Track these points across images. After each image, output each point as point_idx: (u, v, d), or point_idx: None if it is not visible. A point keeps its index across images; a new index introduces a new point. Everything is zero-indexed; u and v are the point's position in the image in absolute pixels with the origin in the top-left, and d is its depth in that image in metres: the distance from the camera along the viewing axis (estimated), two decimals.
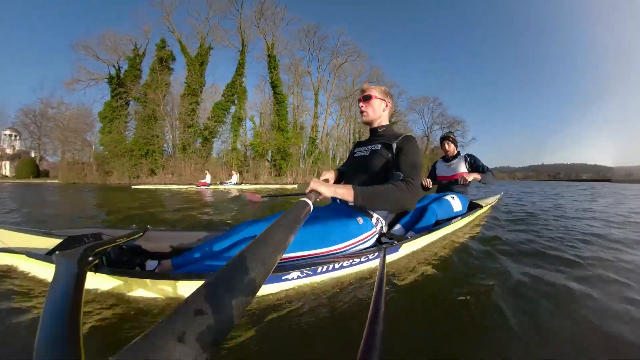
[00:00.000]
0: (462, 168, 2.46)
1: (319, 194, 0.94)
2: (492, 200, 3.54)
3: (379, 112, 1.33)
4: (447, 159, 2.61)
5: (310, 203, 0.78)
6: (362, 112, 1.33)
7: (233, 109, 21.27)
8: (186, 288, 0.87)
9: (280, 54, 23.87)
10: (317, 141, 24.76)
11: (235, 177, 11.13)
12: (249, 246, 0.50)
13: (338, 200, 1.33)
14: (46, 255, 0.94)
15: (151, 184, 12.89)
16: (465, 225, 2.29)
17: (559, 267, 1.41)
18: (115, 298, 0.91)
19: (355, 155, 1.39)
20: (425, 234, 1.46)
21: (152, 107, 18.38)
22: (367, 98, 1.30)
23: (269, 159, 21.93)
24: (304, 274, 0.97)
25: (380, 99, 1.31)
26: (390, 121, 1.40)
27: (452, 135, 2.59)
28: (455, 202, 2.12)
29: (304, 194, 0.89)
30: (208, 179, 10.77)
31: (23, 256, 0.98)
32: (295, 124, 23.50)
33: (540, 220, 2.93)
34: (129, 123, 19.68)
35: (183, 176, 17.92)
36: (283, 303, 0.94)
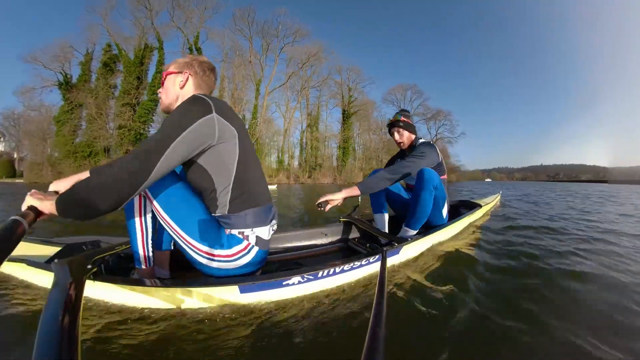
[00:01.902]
0: None
1: (39, 210, 0.73)
2: (491, 199, 3.54)
3: (172, 91, 1.00)
4: (405, 154, 1.88)
5: (25, 222, 0.65)
6: (160, 100, 1.04)
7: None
8: (185, 295, 0.87)
9: (218, 44, 23.20)
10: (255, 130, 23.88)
11: None
12: None
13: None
14: (45, 263, 0.94)
15: None
16: (466, 226, 2.28)
17: (564, 271, 1.40)
18: (113, 306, 0.94)
19: None
20: (426, 236, 1.45)
21: (91, 111, 19.73)
22: (162, 81, 1.01)
23: None
24: (305, 279, 0.98)
25: (175, 73, 1.00)
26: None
27: (403, 117, 1.78)
28: (446, 202, 1.77)
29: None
30: None
31: (22, 264, 0.98)
32: None
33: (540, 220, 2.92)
34: (84, 126, 21.06)
35: None
36: (284, 308, 0.97)
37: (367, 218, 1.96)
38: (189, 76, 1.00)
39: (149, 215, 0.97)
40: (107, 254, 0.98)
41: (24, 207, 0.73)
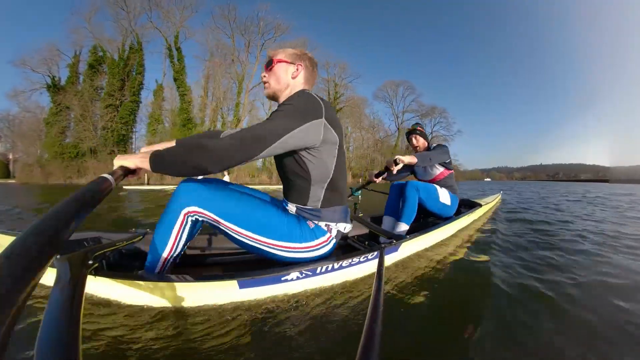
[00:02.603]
0: (438, 168, 2.17)
1: (126, 168, 0.82)
2: (492, 199, 3.55)
3: (284, 79, 1.04)
4: None
5: (111, 178, 0.72)
6: (264, 84, 1.08)
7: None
8: (185, 290, 0.88)
9: (202, 43, 23.29)
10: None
11: (227, 176, 11.34)
12: (35, 222, 0.47)
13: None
14: None
15: (144, 185, 13.06)
16: (467, 225, 2.29)
17: (562, 271, 1.41)
18: (114, 301, 0.95)
19: None
20: (424, 234, 1.46)
21: (76, 112, 20.47)
22: (269, 65, 1.04)
23: None
24: (304, 275, 0.99)
25: (286, 62, 1.03)
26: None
27: (419, 127, 2.24)
28: (443, 192, 2.00)
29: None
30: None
31: None
32: (207, 118, 23.39)
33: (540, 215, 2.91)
34: (72, 128, 21.82)
35: (97, 175, 19.77)
36: (282, 304, 0.98)
37: (366, 216, 1.97)
38: (300, 68, 1.05)
39: (185, 235, 0.97)
40: (108, 249, 0.99)
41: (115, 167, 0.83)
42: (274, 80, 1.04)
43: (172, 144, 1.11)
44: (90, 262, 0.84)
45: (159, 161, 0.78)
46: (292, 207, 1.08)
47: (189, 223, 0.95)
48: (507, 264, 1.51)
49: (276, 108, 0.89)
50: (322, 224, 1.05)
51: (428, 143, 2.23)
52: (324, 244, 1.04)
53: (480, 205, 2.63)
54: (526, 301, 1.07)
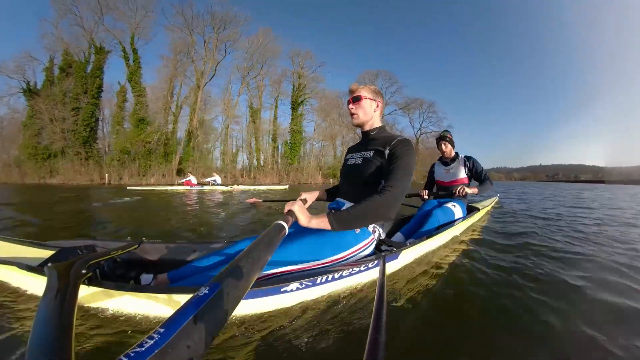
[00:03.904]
0: (462, 173, 2.45)
1: (296, 218, 1.00)
2: (489, 202, 3.59)
3: (369, 113, 1.30)
4: (445, 161, 2.59)
5: (286, 227, 0.85)
6: (352, 114, 1.31)
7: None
8: (181, 301, 0.86)
9: (163, 43, 24.27)
10: (196, 133, 23.77)
11: (218, 178, 11.32)
12: (231, 263, 0.57)
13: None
14: (38, 267, 0.93)
15: (146, 185, 13.07)
16: (464, 230, 2.30)
17: (561, 268, 1.42)
18: (108, 312, 0.94)
19: (348, 163, 1.40)
20: (424, 240, 1.46)
21: (44, 116, 21.23)
22: (356, 99, 1.28)
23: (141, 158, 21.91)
24: (304, 285, 0.98)
25: (370, 99, 1.29)
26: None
27: (449, 135, 2.49)
28: (457, 210, 2.20)
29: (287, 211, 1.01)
30: (193, 179, 11.51)
31: (14, 267, 0.97)
32: (170, 118, 23.53)
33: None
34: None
35: (65, 176, 20.76)
36: (283, 315, 0.98)
37: None
38: (379, 104, 1.32)
39: None
40: (102, 258, 0.98)
41: (285, 211, 1.02)
42: (362, 112, 1.29)
43: (316, 193, 1.45)
44: (84, 271, 0.82)
45: (343, 220, 1.00)
46: (348, 204, 1.27)
47: None
48: (504, 264, 1.53)
49: (400, 153, 1.14)
50: (370, 227, 1.22)
51: (454, 150, 2.50)
52: (365, 247, 1.20)
53: (478, 209, 2.71)
54: (525, 301, 1.09)
